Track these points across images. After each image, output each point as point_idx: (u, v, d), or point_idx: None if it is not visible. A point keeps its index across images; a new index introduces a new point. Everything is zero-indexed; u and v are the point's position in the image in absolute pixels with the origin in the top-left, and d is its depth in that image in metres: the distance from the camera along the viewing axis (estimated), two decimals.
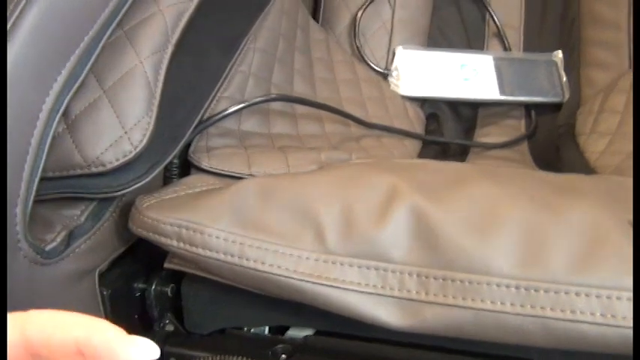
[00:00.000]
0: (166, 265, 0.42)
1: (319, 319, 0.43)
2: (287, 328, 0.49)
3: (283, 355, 0.42)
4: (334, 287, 0.35)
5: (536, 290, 0.31)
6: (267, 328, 0.48)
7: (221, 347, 0.43)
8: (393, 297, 0.35)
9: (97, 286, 0.41)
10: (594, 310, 0.30)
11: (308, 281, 0.36)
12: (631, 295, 0.30)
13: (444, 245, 0.34)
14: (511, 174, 0.43)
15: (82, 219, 0.39)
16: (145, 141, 0.37)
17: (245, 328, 0.47)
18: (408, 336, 0.40)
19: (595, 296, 0.30)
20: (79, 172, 0.37)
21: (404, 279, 0.34)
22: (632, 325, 0.30)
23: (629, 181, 0.38)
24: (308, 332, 0.47)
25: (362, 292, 0.35)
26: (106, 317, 0.43)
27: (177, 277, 0.46)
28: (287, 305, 0.43)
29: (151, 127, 0.38)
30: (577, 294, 0.31)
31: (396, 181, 0.37)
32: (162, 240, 0.38)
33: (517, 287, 0.32)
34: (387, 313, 0.35)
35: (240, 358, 0.41)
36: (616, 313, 0.30)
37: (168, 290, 0.46)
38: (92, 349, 0.21)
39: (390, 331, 0.40)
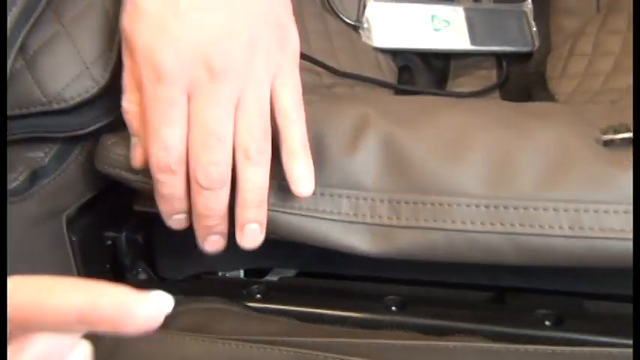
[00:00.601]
0: (136, 207, 0.41)
1: (295, 259, 0.43)
2: (263, 274, 0.48)
3: (258, 295, 0.42)
4: (307, 217, 0.35)
5: (505, 208, 0.32)
6: (242, 273, 0.48)
7: (195, 290, 0.43)
8: (365, 224, 0.35)
9: (64, 231, 0.40)
10: (562, 223, 0.31)
11: (280, 211, 0.35)
12: (596, 207, 0.30)
13: (414, 170, 0.34)
14: (481, 104, 0.43)
15: (46, 160, 0.38)
16: (107, 76, 0.36)
17: (220, 273, 0.47)
18: (384, 268, 0.41)
19: (563, 210, 0.31)
20: (39, 109, 0.36)
21: (375, 205, 0.34)
22: (598, 235, 0.30)
23: (595, 106, 0.39)
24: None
25: (335, 220, 0.35)
26: (76, 266, 0.42)
27: (148, 224, 0.45)
28: (260, 246, 0.43)
29: (113, 62, 0.37)
30: (545, 209, 0.31)
31: (366, 110, 0.36)
32: (130, 176, 0.37)
33: (487, 206, 0.32)
34: (360, 241, 0.35)
35: (213, 298, 0.41)
36: (583, 225, 0.30)
37: (140, 237, 0.46)
38: (99, 313, 0.19)
39: (366, 265, 0.40)
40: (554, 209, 0.31)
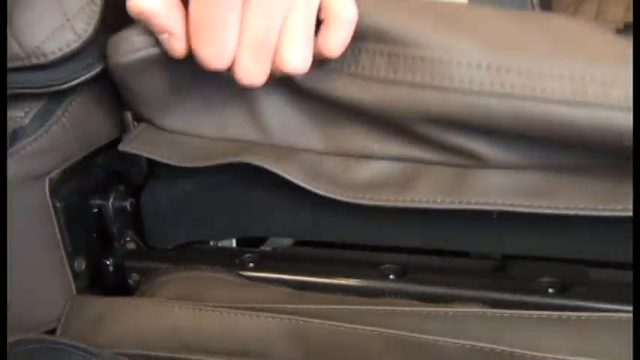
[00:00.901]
0: (121, 147, 0.39)
1: (290, 225, 0.42)
2: (256, 246, 0.47)
3: (251, 264, 0.41)
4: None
5: (507, 70, 0.30)
6: (234, 243, 0.46)
7: (185, 259, 0.41)
8: (364, 77, 0.33)
9: (47, 196, 0.38)
10: (565, 89, 0.29)
11: None
12: (603, 77, 0.28)
13: (415, 25, 0.32)
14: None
15: (26, 121, 0.36)
16: (90, 30, 0.34)
17: (212, 243, 0.45)
18: (384, 235, 0.39)
19: (568, 77, 0.29)
20: (18, 64, 0.34)
21: (375, 58, 0.33)
22: (601, 103, 0.28)
23: None
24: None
25: (337, 72, 0.34)
26: (61, 233, 0.40)
27: (137, 191, 0.44)
28: (253, 212, 0.41)
29: (97, 16, 0.34)
30: (550, 75, 0.29)
31: None
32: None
33: (488, 67, 0.30)
34: (359, 92, 0.34)
35: (204, 266, 0.39)
36: (587, 92, 0.28)
37: (128, 205, 0.44)
38: None
39: (366, 233, 0.39)
40: (559, 75, 0.29)
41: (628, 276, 0.38)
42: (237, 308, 0.34)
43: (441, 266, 0.40)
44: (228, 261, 0.40)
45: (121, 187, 0.44)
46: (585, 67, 0.29)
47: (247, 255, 0.41)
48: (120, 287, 0.43)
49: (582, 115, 0.29)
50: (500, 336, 0.30)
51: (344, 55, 0.33)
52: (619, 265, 0.38)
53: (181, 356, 0.33)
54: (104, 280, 0.44)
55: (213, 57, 0.32)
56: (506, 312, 0.30)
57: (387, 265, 0.39)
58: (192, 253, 0.43)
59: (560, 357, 0.28)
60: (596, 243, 0.37)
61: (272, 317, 0.33)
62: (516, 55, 0.30)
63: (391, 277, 0.38)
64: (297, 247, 0.45)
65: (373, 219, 0.38)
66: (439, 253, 0.41)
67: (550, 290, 0.36)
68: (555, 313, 0.30)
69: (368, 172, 0.36)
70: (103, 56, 0.36)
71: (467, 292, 0.36)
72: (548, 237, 0.37)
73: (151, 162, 0.42)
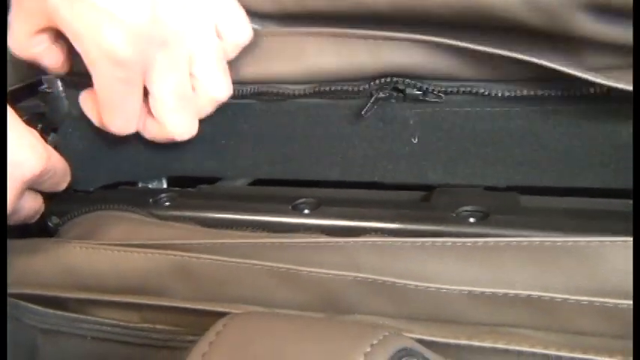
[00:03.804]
0: None
1: (206, 163, 0.39)
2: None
3: (167, 203, 0.39)
4: None
5: None
6: (164, 184, 0.44)
7: (103, 200, 0.39)
8: None
9: None
10: None
11: None
12: None
13: None
14: None
15: None
16: None
17: (140, 184, 0.44)
18: (319, 169, 0.36)
19: None
20: None
21: None
22: None
23: None
24: None
25: None
26: None
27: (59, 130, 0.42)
28: (171, 150, 0.39)
29: None
30: None
31: None
32: None
33: None
34: None
35: (115, 206, 0.38)
36: None
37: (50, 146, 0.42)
38: None
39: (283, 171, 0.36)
40: None
41: (561, 202, 0.34)
42: (130, 245, 0.32)
43: (362, 199, 0.37)
44: (142, 200, 0.39)
45: (43, 127, 0.42)
46: None
47: (163, 194, 0.39)
48: (42, 230, 0.42)
49: None
50: (390, 265, 0.27)
51: None
52: (555, 191, 0.34)
53: (77, 295, 0.32)
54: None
55: (121, 127, 0.34)
56: (399, 240, 0.28)
57: (302, 200, 0.36)
58: (113, 195, 0.41)
59: (445, 287, 0.25)
60: (525, 168, 0.33)
61: (160, 254, 0.31)
62: None
63: (306, 211, 0.36)
64: (217, 186, 0.42)
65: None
66: (368, 186, 0.38)
67: (471, 220, 0.33)
68: (450, 240, 0.27)
69: None
70: None
71: (380, 224, 0.33)
72: (475, 163, 0.34)
73: (70, 101, 0.40)
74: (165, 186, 0.44)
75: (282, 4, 0.32)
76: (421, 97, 0.33)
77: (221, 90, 0.34)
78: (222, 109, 0.36)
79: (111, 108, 0.33)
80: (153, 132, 0.35)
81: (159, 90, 0.32)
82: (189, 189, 0.42)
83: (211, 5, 0.32)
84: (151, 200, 0.39)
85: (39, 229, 0.43)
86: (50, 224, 0.42)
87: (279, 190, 0.39)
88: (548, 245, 0.25)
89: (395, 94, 0.33)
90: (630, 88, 0.25)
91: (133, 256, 0.32)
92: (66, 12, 0.29)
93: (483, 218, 0.32)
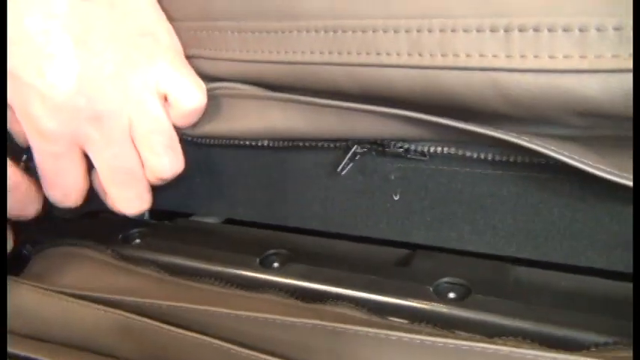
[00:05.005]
0: None
1: (183, 199, 0.37)
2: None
3: (137, 240, 0.37)
4: None
5: (343, 32, 0.25)
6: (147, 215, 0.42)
7: (74, 231, 0.38)
8: (225, 60, 0.30)
9: None
10: (401, 49, 0.24)
11: None
12: (443, 26, 0.23)
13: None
14: None
15: None
16: None
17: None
18: (290, 217, 0.34)
19: (404, 31, 0.24)
20: None
21: (227, 37, 0.29)
22: (439, 64, 0.24)
23: None
24: None
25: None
26: None
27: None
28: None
29: None
30: (384, 30, 0.24)
31: None
32: None
33: (325, 31, 0.26)
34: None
35: (80, 241, 0.36)
36: (423, 50, 0.24)
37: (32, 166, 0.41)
38: None
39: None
40: (395, 31, 0.24)
41: (554, 277, 0.30)
42: (79, 297, 0.30)
43: (338, 255, 0.34)
44: (110, 236, 0.37)
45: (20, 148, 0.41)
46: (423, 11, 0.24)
47: (135, 230, 0.37)
48: (17, 257, 0.41)
49: (419, 77, 0.25)
50: (345, 354, 0.24)
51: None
52: (551, 266, 0.30)
53: (21, 339, 0.30)
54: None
55: (62, 198, 0.33)
56: (360, 329, 0.24)
57: (273, 251, 0.33)
58: (85, 225, 0.39)
59: None
60: (518, 239, 0.30)
61: (106, 312, 0.29)
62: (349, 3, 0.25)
63: (275, 265, 0.33)
64: (192, 221, 0.40)
65: None
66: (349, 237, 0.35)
67: (450, 295, 0.29)
68: (418, 338, 0.23)
69: None
70: None
71: (351, 291, 0.30)
72: (463, 228, 0.31)
73: None
74: (146, 216, 0.42)
75: (244, 74, 0.30)
76: (403, 154, 0.29)
77: (165, 168, 0.31)
78: (199, 147, 0.34)
79: (48, 181, 0.32)
80: (107, 203, 0.33)
81: (97, 164, 0.31)
82: (164, 222, 0.40)
83: (153, 76, 0.29)
84: (120, 236, 0.37)
85: (13, 256, 0.41)
86: (25, 252, 0.40)
87: (252, 233, 0.37)
88: (516, 357, 0.22)
89: (375, 147, 0.30)
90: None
91: (82, 310, 0.30)
92: (9, 89, 0.29)
93: (465, 295, 0.29)
